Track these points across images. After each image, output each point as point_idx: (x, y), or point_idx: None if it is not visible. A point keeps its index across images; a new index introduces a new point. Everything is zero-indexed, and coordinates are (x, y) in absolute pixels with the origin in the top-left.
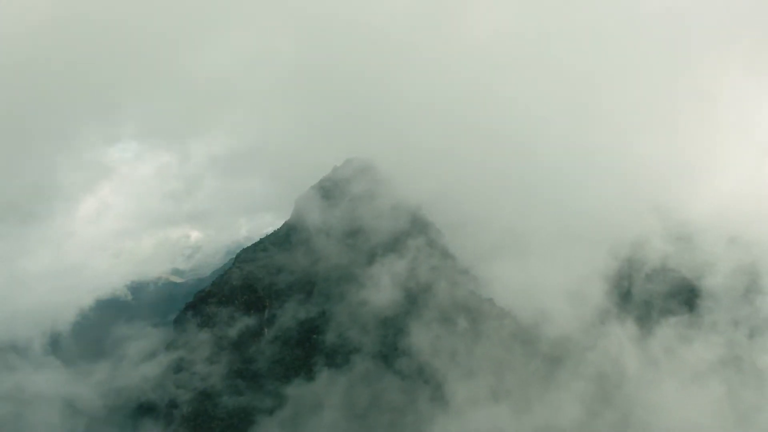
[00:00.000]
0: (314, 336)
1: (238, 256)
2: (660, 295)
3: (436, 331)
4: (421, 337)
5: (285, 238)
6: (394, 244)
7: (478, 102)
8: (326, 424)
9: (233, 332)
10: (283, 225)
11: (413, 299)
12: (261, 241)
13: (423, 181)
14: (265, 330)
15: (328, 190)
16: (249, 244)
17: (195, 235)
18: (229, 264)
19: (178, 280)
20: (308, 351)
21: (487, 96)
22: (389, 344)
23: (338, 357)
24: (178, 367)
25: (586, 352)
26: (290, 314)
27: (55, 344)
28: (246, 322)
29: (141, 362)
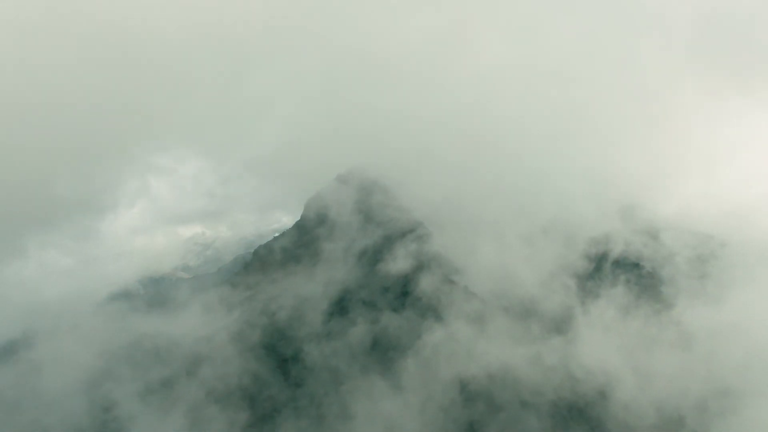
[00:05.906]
0: (347, 293)
1: (256, 251)
2: (623, 278)
3: (438, 283)
4: (427, 286)
5: (302, 230)
6: (396, 236)
7: (470, 115)
8: (358, 339)
9: (290, 290)
10: (296, 222)
11: (421, 264)
12: (277, 238)
13: (418, 184)
14: (311, 291)
15: (339, 191)
16: (258, 240)
17: (208, 232)
18: (246, 257)
19: (185, 275)
20: (344, 301)
21: (479, 111)
22: (405, 292)
23: (369, 302)
24: (255, 312)
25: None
26: (326, 280)
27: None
28: (297, 285)
29: (226, 311)
